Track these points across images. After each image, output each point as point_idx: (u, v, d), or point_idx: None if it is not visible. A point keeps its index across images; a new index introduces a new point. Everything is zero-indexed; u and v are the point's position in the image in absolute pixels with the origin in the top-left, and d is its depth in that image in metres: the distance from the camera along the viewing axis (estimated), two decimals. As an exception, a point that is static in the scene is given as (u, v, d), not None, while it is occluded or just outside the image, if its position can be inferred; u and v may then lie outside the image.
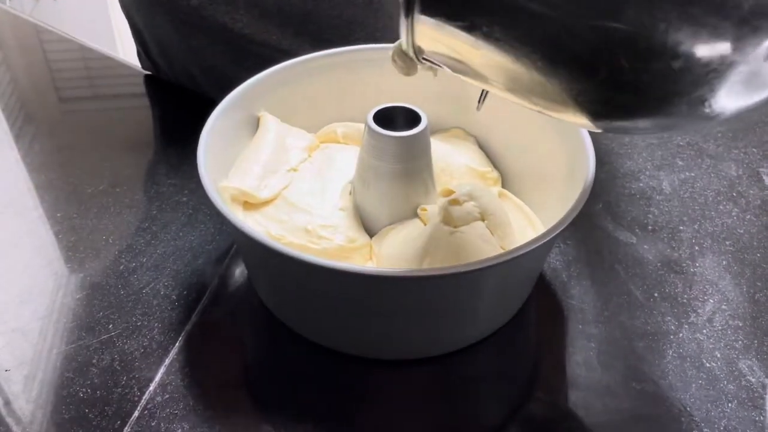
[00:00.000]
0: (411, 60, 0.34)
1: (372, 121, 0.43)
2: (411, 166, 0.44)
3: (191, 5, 0.55)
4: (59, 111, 0.69)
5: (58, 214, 0.55)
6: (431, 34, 0.30)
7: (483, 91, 0.40)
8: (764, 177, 0.57)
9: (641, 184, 0.56)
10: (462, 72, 0.32)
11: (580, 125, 0.31)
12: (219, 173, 0.46)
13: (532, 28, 0.27)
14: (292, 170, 0.49)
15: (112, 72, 0.74)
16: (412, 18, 0.29)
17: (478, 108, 0.41)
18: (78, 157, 0.61)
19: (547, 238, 0.38)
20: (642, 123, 0.30)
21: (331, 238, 0.44)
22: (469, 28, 0.28)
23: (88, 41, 0.78)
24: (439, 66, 0.34)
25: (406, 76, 0.37)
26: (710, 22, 0.24)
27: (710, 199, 0.55)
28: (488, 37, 0.28)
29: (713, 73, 0.25)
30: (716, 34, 0.24)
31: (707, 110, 0.27)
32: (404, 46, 0.32)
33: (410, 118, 0.44)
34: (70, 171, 0.59)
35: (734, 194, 0.55)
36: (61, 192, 0.57)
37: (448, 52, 0.31)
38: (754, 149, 0.60)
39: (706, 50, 0.25)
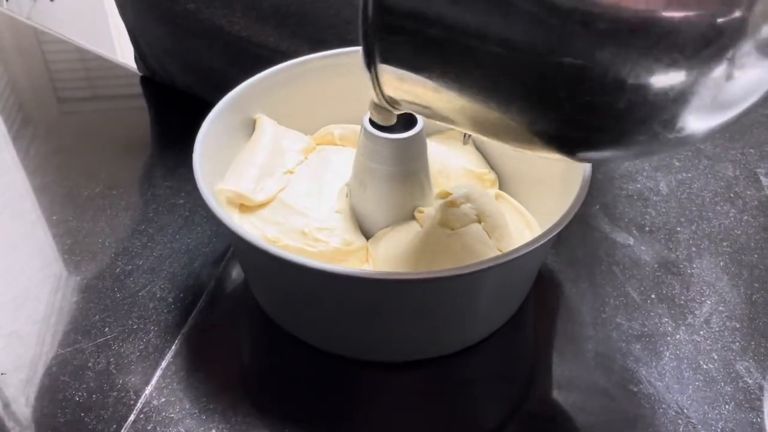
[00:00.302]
0: (386, 110, 0.35)
1: (368, 123, 0.43)
2: (407, 169, 0.44)
3: (188, 9, 0.55)
4: (56, 113, 0.69)
5: (54, 217, 0.55)
6: (395, 84, 0.31)
7: None
8: (761, 178, 0.57)
9: (638, 185, 0.56)
10: (432, 117, 0.33)
11: (554, 159, 0.32)
12: (215, 176, 0.46)
13: (483, 71, 0.27)
14: (288, 172, 0.49)
15: (110, 74, 0.74)
16: (376, 70, 0.30)
17: (464, 141, 0.41)
18: (74, 159, 0.61)
19: (544, 240, 0.38)
20: (614, 153, 0.30)
21: (328, 241, 0.44)
22: (425, 75, 0.29)
23: (85, 42, 0.78)
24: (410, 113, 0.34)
25: (387, 124, 0.39)
26: (658, 53, 0.24)
27: (707, 200, 0.55)
28: (444, 82, 0.29)
29: (673, 101, 0.25)
30: (666, 64, 0.24)
31: (676, 135, 0.27)
32: (376, 100, 0.33)
33: (406, 120, 0.44)
34: (66, 173, 0.59)
35: (731, 195, 0.55)
36: (57, 194, 0.57)
37: (414, 99, 0.32)
38: (751, 150, 0.60)
39: (659, 81, 0.25)
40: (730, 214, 0.53)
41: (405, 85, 0.30)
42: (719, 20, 0.24)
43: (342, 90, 0.53)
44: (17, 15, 0.86)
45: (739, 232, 0.52)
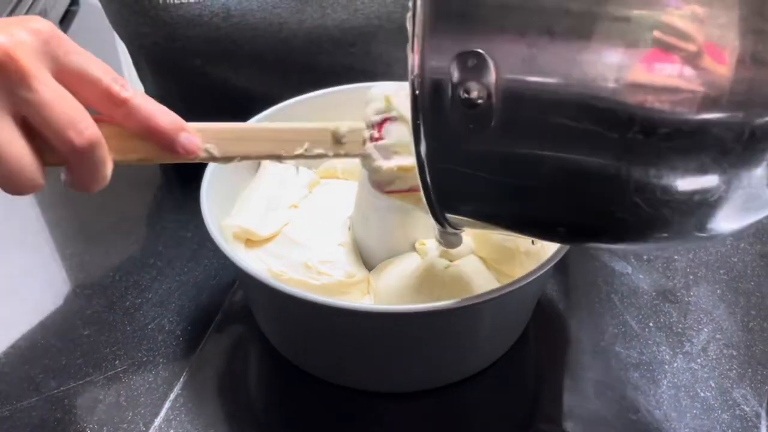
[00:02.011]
0: (456, 235, 0.38)
1: None
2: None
3: (194, 64, 0.57)
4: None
5: (68, 251, 0.56)
6: (460, 221, 0.34)
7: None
8: (758, 205, 0.58)
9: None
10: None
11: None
12: (222, 210, 0.48)
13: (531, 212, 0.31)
14: (293, 207, 0.50)
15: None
16: (444, 219, 0.33)
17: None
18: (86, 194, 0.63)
19: (540, 273, 0.39)
20: (642, 247, 0.32)
21: (331, 274, 0.45)
22: (476, 218, 0.33)
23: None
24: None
25: (455, 248, 0.40)
26: (697, 156, 0.24)
27: (704, 227, 0.56)
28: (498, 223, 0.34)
29: (705, 204, 0.26)
30: (700, 170, 0.25)
31: (703, 234, 0.28)
32: (447, 231, 0.36)
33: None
34: (78, 208, 0.61)
35: (728, 222, 0.56)
36: (70, 229, 0.59)
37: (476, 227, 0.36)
38: (747, 177, 0.61)
39: (691, 185, 0.25)
40: (727, 242, 0.54)
41: (467, 222, 0.34)
42: (757, 122, 0.24)
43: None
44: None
45: (735, 260, 0.53)
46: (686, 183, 0.25)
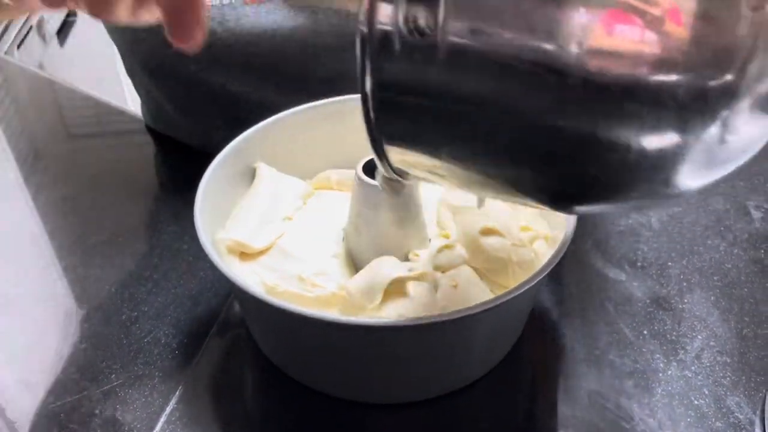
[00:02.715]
0: (398, 182, 0.36)
1: (361, 171, 0.45)
2: (400, 214, 0.46)
3: (191, 69, 0.58)
4: (67, 160, 0.71)
5: (63, 264, 0.56)
6: (400, 157, 0.32)
7: None
8: (752, 210, 0.58)
9: (630, 221, 0.57)
10: (438, 183, 0.35)
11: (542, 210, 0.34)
12: (216, 224, 0.48)
13: (485, 139, 0.29)
14: (287, 219, 0.50)
15: (118, 119, 0.77)
16: (382, 148, 0.31)
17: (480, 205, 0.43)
18: (82, 206, 0.63)
19: (531, 284, 0.39)
20: (608, 208, 0.32)
21: (324, 286, 0.45)
22: (428, 148, 0.31)
23: (94, 85, 0.81)
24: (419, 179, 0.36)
25: (398, 195, 0.40)
26: (651, 114, 0.25)
27: (698, 234, 0.56)
28: (446, 154, 0.30)
29: (667, 161, 0.26)
30: (660, 125, 0.25)
31: (671, 191, 0.28)
32: (387, 174, 0.34)
33: None
34: (74, 220, 0.61)
35: (722, 229, 0.56)
36: (66, 241, 0.59)
37: (421, 171, 0.33)
38: (741, 183, 0.61)
39: (653, 142, 0.26)
40: (721, 248, 0.54)
41: (410, 158, 0.32)
42: (711, 83, 0.24)
43: (338, 136, 0.55)
44: (29, 65, 0.89)
45: (729, 266, 0.53)
46: (647, 141, 0.26)
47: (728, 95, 0.25)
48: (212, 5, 0.57)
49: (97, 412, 0.44)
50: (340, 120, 0.54)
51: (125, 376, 0.46)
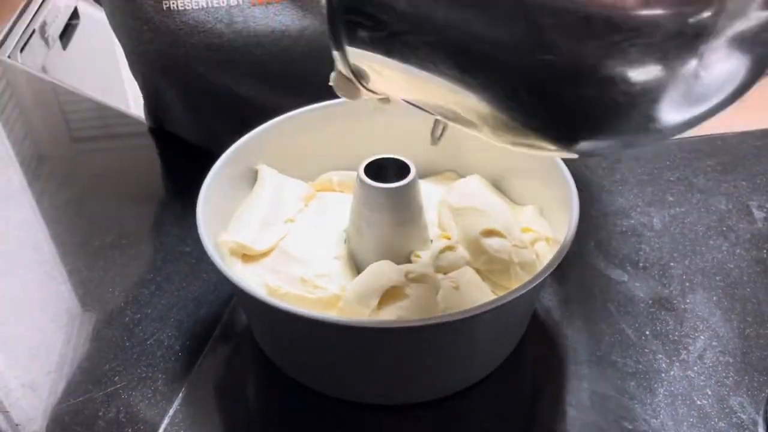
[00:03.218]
0: (352, 84, 0.34)
1: (363, 172, 0.45)
2: (402, 216, 0.46)
3: (197, 72, 0.58)
4: (70, 163, 0.71)
5: (67, 268, 0.57)
6: (363, 61, 0.31)
7: (435, 122, 0.41)
8: (754, 210, 0.58)
9: (632, 221, 0.57)
10: (405, 98, 0.33)
11: (539, 154, 0.33)
12: (218, 226, 0.48)
13: (460, 66, 0.28)
14: (289, 221, 0.51)
15: (121, 122, 0.77)
16: (342, 48, 0.30)
17: (433, 142, 0.42)
18: (86, 209, 0.63)
19: (532, 286, 0.39)
20: (598, 145, 0.32)
21: (326, 287, 0.45)
22: (400, 57, 0.29)
23: (97, 88, 0.81)
24: (384, 95, 0.34)
25: (351, 99, 0.37)
26: (631, 49, 0.26)
27: (700, 234, 0.56)
28: (415, 70, 0.29)
29: (648, 94, 0.27)
30: (642, 59, 0.26)
31: (655, 126, 0.29)
32: (341, 69, 0.32)
33: (400, 168, 0.46)
34: (78, 223, 0.61)
35: (724, 228, 0.56)
36: (70, 245, 0.59)
37: (385, 79, 0.32)
38: (743, 182, 0.61)
39: (634, 75, 0.26)
40: (723, 248, 0.54)
41: (375, 65, 0.31)
42: (689, 20, 0.25)
43: (340, 138, 0.55)
44: (33, 70, 0.90)
45: (731, 266, 0.53)
46: (630, 74, 0.26)
47: (706, 31, 0.25)
48: (219, 7, 0.57)
49: (100, 414, 0.44)
50: (338, 122, 0.55)
51: (128, 379, 0.47)
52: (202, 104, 0.63)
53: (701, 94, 0.28)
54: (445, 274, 0.45)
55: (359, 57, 0.31)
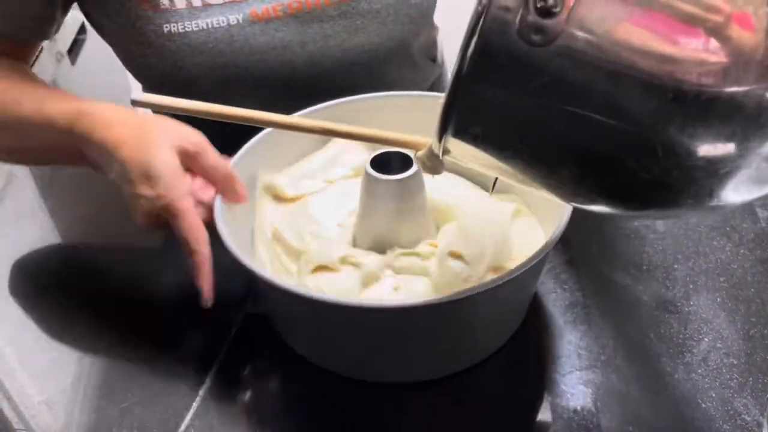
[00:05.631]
0: (440, 161, 0.36)
1: (369, 165, 0.47)
2: (405, 206, 0.48)
3: (202, 91, 0.59)
4: (82, 178, 0.72)
5: (80, 284, 0.58)
6: (461, 149, 0.32)
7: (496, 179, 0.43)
8: (757, 210, 0.58)
9: (635, 223, 0.58)
10: (486, 171, 0.36)
11: (597, 209, 0.34)
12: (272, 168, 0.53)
13: (553, 152, 0.30)
14: (329, 182, 0.54)
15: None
16: (445, 139, 0.31)
17: (491, 193, 0.44)
18: (99, 225, 0.64)
19: (525, 269, 0.41)
20: (650, 214, 0.32)
21: (318, 249, 0.48)
22: (497, 151, 0.31)
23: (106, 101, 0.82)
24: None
25: (433, 175, 0.40)
26: (716, 123, 0.26)
27: (704, 234, 0.56)
28: (511, 158, 0.31)
29: (722, 172, 0.27)
30: (723, 135, 0.26)
31: (714, 203, 0.29)
32: (436, 150, 0.34)
33: (405, 162, 0.48)
34: (91, 238, 0.63)
35: (728, 229, 0.56)
36: (83, 260, 0.60)
37: (476, 163, 0.34)
38: (747, 181, 0.61)
39: (713, 150, 0.26)
40: (727, 249, 0.55)
41: (469, 152, 0.32)
42: None
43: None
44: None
45: (735, 267, 0.53)
46: (707, 149, 0.26)
47: None
48: (219, 27, 0.58)
49: (114, 430, 0.45)
50: (350, 121, 0.56)
51: (140, 395, 0.47)
52: (207, 122, 0.64)
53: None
54: (398, 274, 0.47)
55: (458, 145, 0.32)
